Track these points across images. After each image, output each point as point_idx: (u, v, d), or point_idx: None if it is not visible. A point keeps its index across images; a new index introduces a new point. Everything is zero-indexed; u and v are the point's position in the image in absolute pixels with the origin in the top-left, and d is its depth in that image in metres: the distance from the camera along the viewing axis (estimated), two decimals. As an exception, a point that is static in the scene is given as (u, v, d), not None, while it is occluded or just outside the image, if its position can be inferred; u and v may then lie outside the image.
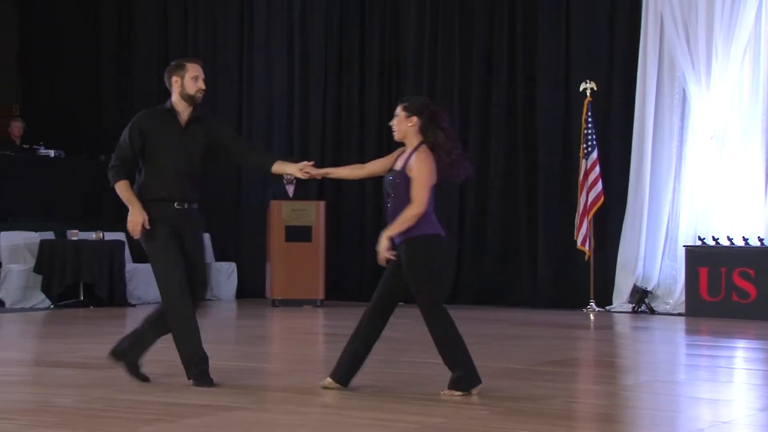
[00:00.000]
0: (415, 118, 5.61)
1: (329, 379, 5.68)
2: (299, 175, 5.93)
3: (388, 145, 13.22)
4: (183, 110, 5.87)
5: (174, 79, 5.88)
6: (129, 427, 4.64)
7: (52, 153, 13.28)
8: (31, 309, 11.42)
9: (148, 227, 5.70)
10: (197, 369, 5.71)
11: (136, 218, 5.71)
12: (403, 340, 8.71)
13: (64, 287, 11.56)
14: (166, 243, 5.73)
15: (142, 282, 12.26)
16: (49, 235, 12.21)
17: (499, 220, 12.59)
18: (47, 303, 11.56)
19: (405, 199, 5.55)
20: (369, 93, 13.31)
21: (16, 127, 13.69)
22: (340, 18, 13.55)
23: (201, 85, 5.87)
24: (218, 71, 14.15)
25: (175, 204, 5.81)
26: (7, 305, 11.54)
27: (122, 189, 5.81)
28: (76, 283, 11.63)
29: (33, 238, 12.07)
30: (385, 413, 5.05)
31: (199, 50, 14.37)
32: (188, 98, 5.85)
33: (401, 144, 5.73)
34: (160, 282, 5.77)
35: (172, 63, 5.96)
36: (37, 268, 11.57)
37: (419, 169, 5.54)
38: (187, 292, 5.69)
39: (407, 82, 13.14)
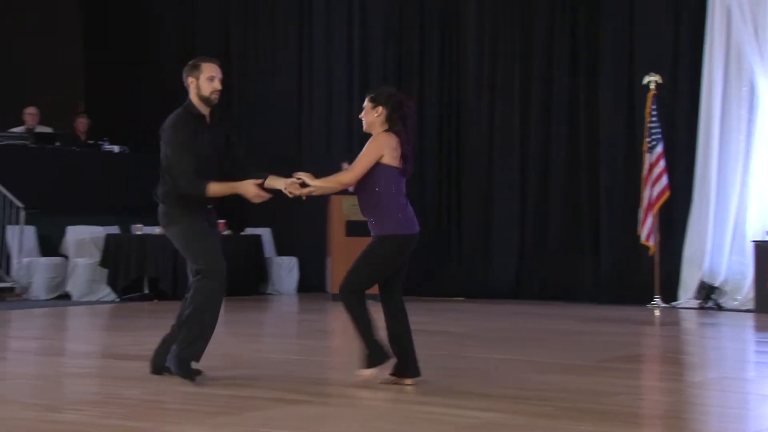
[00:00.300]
0: (380, 108, 5.66)
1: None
2: (286, 192, 5.80)
3: (447, 143, 13.23)
4: (204, 111, 5.78)
5: (190, 80, 5.78)
6: (194, 420, 4.70)
7: (116, 148, 13.46)
8: (97, 302, 11.61)
9: (309, 183, 5.62)
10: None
11: (248, 187, 5.62)
12: (463, 334, 8.71)
13: (128, 281, 11.74)
14: (208, 232, 5.73)
15: (205, 276, 12.40)
16: (115, 230, 12.41)
17: (561, 214, 12.51)
18: (112, 296, 11.75)
19: (373, 190, 5.62)
20: (428, 91, 13.28)
21: (82, 123, 13.92)
22: (399, 15, 13.54)
23: (217, 85, 5.76)
24: (277, 69, 14.26)
25: (208, 206, 5.85)
26: (74, 298, 11.76)
27: (217, 189, 5.67)
28: (140, 276, 11.80)
29: (99, 232, 12.26)
30: (445, 408, 5.05)
31: (258, 47, 14.49)
32: (204, 100, 5.76)
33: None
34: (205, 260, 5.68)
35: (189, 63, 5.85)
36: (103, 262, 11.75)
37: (366, 146, 5.63)
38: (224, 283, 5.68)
39: (467, 78, 13.10)
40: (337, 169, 12.97)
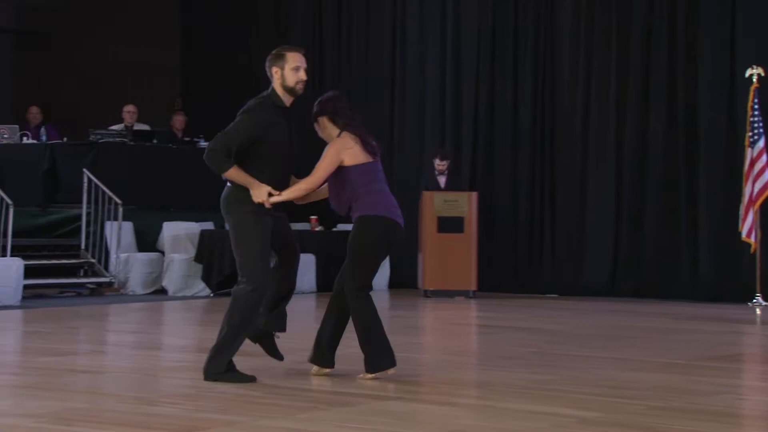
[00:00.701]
0: (322, 119, 5.80)
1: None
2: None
3: (541, 142, 13.10)
4: (287, 102, 5.72)
5: (274, 69, 5.65)
6: (286, 414, 4.75)
7: (211, 145, 13.60)
8: (192, 297, 11.79)
9: (275, 194, 5.59)
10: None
11: (262, 190, 5.57)
12: (556, 332, 8.63)
13: (222, 276, 11.87)
14: (267, 233, 5.68)
15: (299, 271, 12.48)
16: (209, 226, 12.59)
17: (658, 210, 12.30)
18: (207, 291, 11.92)
19: (346, 188, 5.77)
20: (521, 91, 13.16)
21: (178, 121, 14.15)
22: (493, 13, 13.45)
23: (302, 75, 5.65)
24: (371, 65, 14.30)
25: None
26: (170, 293, 11.96)
27: (238, 172, 5.61)
28: (233, 272, 11.91)
29: (194, 228, 12.44)
30: (539, 406, 5.00)
31: (352, 44, 14.55)
32: (289, 90, 5.66)
33: None
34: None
35: (273, 52, 5.73)
36: (198, 258, 11.92)
37: (324, 153, 5.76)
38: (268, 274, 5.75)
39: (562, 77, 12.95)
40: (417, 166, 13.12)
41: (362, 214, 5.78)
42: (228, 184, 5.79)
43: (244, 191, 5.62)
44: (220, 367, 5.61)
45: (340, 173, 5.76)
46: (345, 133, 5.78)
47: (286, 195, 5.72)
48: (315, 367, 5.86)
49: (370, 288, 5.83)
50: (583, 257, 12.65)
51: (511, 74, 13.25)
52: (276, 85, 5.71)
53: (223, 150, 5.65)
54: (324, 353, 5.83)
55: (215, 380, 5.56)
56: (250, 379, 5.60)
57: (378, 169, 5.87)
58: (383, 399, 5.14)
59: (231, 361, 5.67)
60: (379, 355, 5.71)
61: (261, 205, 5.62)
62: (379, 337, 5.74)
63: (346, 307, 5.82)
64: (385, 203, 5.86)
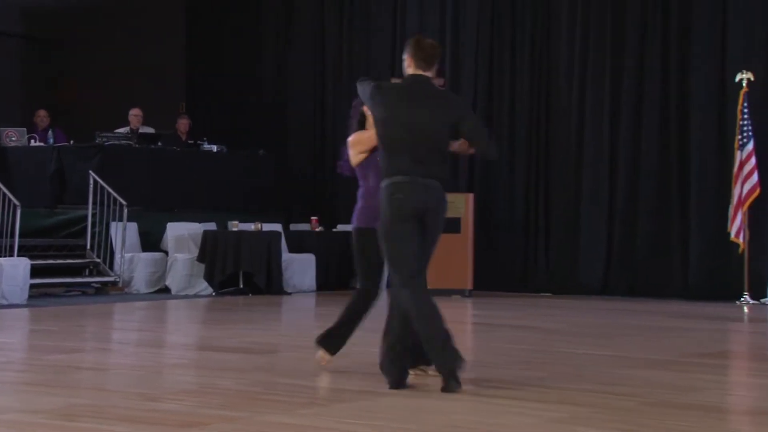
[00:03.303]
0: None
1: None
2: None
3: (536, 142, 13.09)
4: None
5: (406, 57, 5.50)
6: (286, 410, 4.75)
7: (215, 148, 13.64)
8: (195, 296, 11.79)
9: None
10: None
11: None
12: (551, 329, 8.64)
13: (225, 275, 11.88)
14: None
15: (298, 271, 12.53)
16: (212, 226, 12.58)
17: (651, 211, 12.32)
18: (209, 290, 11.92)
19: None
20: (519, 89, 13.18)
21: (183, 124, 14.15)
22: (491, 12, 13.47)
23: None
24: (370, 67, 14.29)
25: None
26: (173, 292, 11.96)
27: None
28: (236, 271, 11.94)
29: (197, 228, 12.44)
30: (533, 402, 5.01)
31: (353, 50, 14.54)
32: None
33: None
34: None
35: (409, 41, 5.56)
36: (201, 258, 11.92)
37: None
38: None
39: (558, 76, 12.97)
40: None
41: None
42: (439, 184, 5.40)
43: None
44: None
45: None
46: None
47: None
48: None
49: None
50: (577, 257, 12.66)
51: (507, 80, 13.26)
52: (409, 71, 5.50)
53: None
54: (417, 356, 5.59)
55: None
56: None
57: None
58: (381, 395, 5.14)
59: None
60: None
61: None
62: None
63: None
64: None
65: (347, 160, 5.89)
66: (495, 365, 6.28)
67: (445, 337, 5.25)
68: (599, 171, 12.62)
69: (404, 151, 5.29)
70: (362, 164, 5.81)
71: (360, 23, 14.51)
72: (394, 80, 5.81)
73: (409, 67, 5.49)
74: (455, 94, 5.65)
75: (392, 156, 5.32)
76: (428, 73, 5.46)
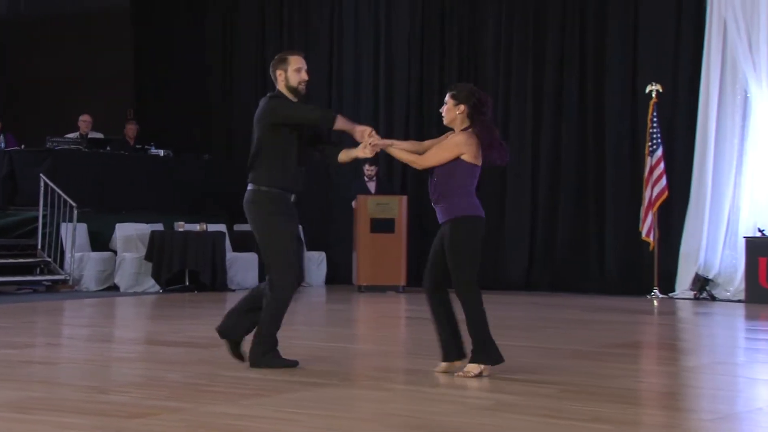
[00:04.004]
0: (462, 106, 5.53)
1: (443, 364, 5.54)
2: (365, 154, 5.63)
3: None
4: (293, 101, 5.70)
5: (278, 72, 5.69)
6: (229, 400, 4.71)
7: (161, 152, 13.50)
8: (143, 293, 11.65)
9: (375, 137, 5.55)
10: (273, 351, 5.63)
11: (365, 129, 5.57)
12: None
13: (171, 273, 11.76)
14: (287, 229, 5.61)
15: (241, 269, 12.46)
16: (159, 227, 12.44)
17: (571, 213, 12.47)
18: (157, 288, 11.79)
19: (448, 179, 5.49)
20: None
21: (131, 129, 13.98)
22: (421, 30, 13.51)
23: (304, 76, 5.69)
24: (310, 72, 14.22)
25: (292, 198, 5.73)
26: (122, 289, 11.81)
27: (342, 123, 5.62)
28: (182, 270, 11.83)
29: (144, 229, 12.30)
30: (462, 391, 5.03)
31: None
32: (293, 90, 5.67)
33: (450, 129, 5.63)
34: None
35: (276, 57, 5.75)
36: (148, 256, 11.78)
37: (447, 142, 5.54)
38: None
39: (485, 88, 13.05)
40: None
41: (464, 214, 5.52)
42: (249, 187, 5.65)
43: (264, 195, 5.59)
44: (263, 353, 5.56)
45: (451, 164, 5.51)
46: (471, 131, 5.52)
47: (391, 149, 5.61)
48: (443, 364, 5.54)
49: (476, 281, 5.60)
50: (503, 255, 12.76)
51: (437, 92, 13.31)
52: (281, 86, 5.71)
53: (318, 110, 5.73)
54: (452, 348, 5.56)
55: (260, 366, 5.51)
56: (293, 364, 5.58)
57: (479, 173, 5.65)
58: (320, 386, 5.12)
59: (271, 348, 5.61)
60: (491, 348, 5.46)
61: (281, 207, 5.57)
62: (488, 331, 5.50)
63: (447, 300, 5.60)
64: (478, 204, 5.63)
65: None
66: (426, 357, 6.29)
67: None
68: (523, 176, 12.74)
69: None
70: None
71: (299, 34, 14.44)
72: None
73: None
74: (264, 101, 5.72)
75: None
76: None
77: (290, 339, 5.94)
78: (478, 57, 13.15)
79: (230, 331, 5.76)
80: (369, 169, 12.45)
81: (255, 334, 5.65)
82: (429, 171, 5.59)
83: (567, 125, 12.54)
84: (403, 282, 12.05)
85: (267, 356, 5.58)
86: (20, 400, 4.69)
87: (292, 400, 4.77)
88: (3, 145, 12.99)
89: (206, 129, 14.84)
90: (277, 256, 5.58)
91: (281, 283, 5.57)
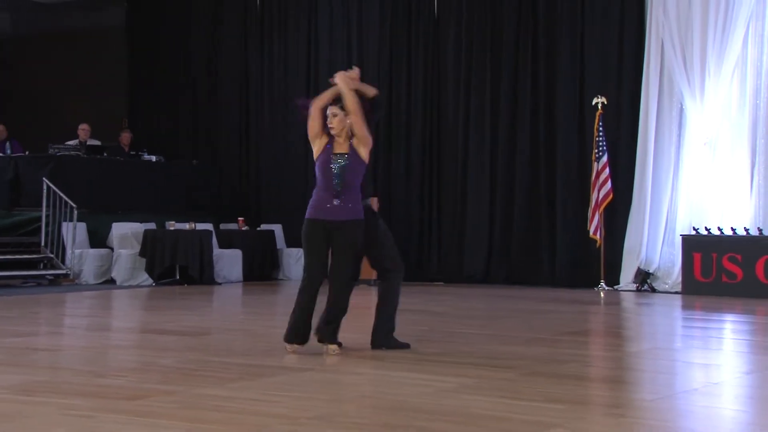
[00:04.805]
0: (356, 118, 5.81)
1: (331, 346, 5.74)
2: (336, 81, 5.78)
3: (429, 154, 13.18)
4: None
5: None
6: (217, 384, 4.69)
7: (154, 158, 13.44)
8: (137, 286, 11.58)
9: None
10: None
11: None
12: (442, 313, 8.71)
13: (163, 268, 11.70)
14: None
15: (227, 264, 12.41)
16: (152, 226, 12.38)
17: (525, 214, 12.52)
18: (150, 281, 11.72)
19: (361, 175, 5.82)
20: (413, 114, 13.26)
21: (125, 137, 13.89)
22: (389, 45, 13.52)
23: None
24: (288, 84, 14.21)
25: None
26: (118, 283, 11.73)
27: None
28: (173, 265, 11.78)
29: (138, 228, 12.24)
30: (427, 375, 5.05)
31: (273, 70, 14.42)
32: None
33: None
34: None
35: None
36: (142, 253, 11.73)
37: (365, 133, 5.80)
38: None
39: (447, 95, 13.11)
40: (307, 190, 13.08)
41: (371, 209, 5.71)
42: (366, 202, 5.96)
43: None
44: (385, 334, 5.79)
45: (362, 166, 5.70)
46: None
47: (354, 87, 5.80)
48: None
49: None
50: (463, 250, 12.80)
51: (404, 103, 13.32)
52: None
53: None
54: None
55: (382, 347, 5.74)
56: (406, 346, 5.79)
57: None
58: (300, 371, 5.12)
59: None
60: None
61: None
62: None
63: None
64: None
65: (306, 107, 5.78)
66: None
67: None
68: (482, 178, 12.79)
69: None
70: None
71: (278, 44, 14.39)
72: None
73: None
74: None
75: None
76: None
77: (272, 328, 5.94)
78: (441, 76, 13.13)
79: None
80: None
81: (377, 318, 5.86)
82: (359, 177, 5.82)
83: (521, 133, 12.59)
84: (374, 276, 11.97)
85: (388, 337, 5.82)
86: (25, 383, 4.65)
87: (276, 383, 4.76)
88: (9, 151, 12.88)
89: (195, 137, 14.80)
90: (392, 250, 6.02)
91: (399, 274, 5.95)
